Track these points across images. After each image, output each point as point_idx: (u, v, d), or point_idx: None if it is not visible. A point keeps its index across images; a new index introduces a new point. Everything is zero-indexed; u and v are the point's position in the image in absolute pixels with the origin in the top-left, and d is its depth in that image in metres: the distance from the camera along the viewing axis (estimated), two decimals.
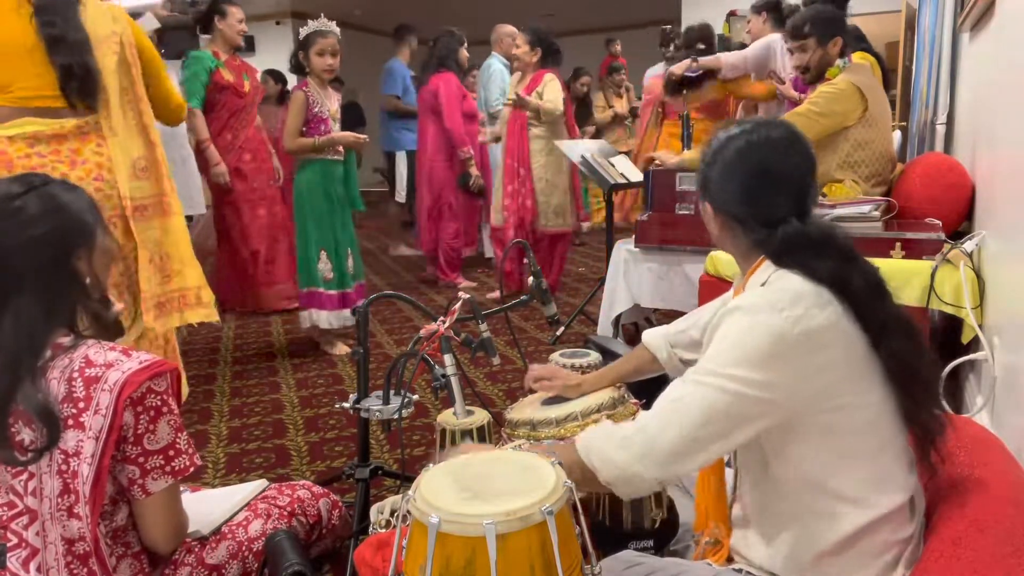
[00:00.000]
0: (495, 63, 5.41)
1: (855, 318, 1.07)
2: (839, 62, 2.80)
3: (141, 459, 1.21)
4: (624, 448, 1.09)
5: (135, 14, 3.37)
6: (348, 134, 3.59)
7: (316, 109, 3.46)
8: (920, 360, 1.09)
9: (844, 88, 2.67)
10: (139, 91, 2.41)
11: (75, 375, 1.17)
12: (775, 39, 3.93)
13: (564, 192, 4.61)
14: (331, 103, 3.55)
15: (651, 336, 1.66)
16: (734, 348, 1.06)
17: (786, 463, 1.10)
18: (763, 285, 1.13)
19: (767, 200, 1.15)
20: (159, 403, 1.21)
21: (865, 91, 2.67)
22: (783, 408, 1.05)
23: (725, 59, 4.07)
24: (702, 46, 4.32)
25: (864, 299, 1.07)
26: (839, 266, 1.08)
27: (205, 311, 2.58)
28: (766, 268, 1.15)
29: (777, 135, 1.17)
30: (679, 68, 4.16)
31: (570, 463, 1.11)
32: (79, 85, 2.26)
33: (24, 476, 1.16)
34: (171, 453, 1.23)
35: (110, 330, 1.29)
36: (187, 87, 4.08)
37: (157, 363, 1.21)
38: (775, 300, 1.06)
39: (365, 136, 3.67)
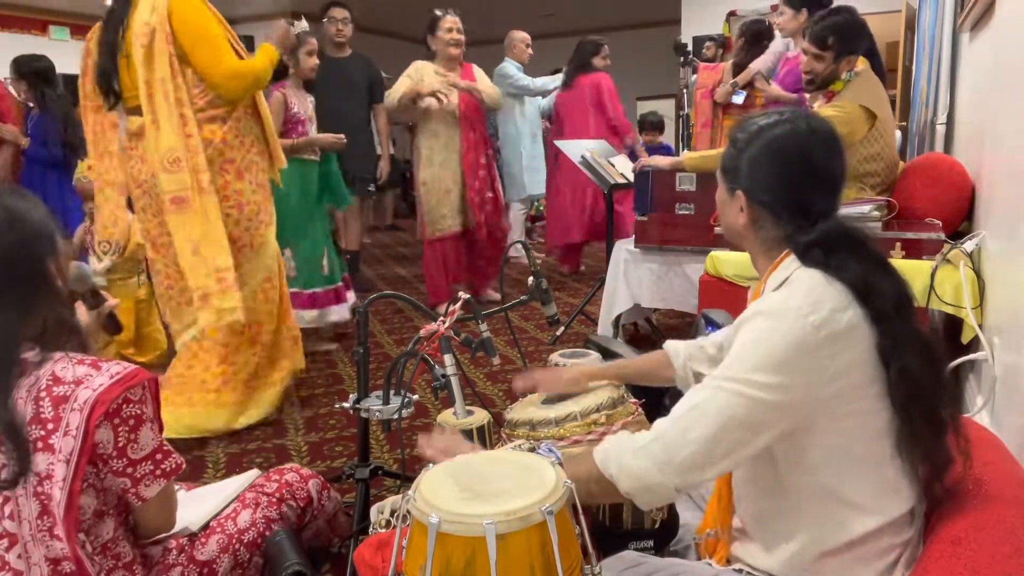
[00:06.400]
0: (509, 68, 5.40)
1: (873, 324, 1.04)
2: (844, 75, 2.74)
3: (129, 469, 1.18)
4: (643, 457, 1.06)
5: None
6: (327, 136, 3.62)
7: (295, 110, 3.50)
8: (930, 386, 1.05)
9: (851, 111, 2.58)
10: (178, 80, 2.45)
11: (42, 394, 1.12)
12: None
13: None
14: (307, 104, 3.62)
15: (672, 344, 1.64)
16: (755, 353, 1.04)
17: (799, 470, 1.08)
18: (782, 285, 1.10)
19: (807, 192, 1.12)
20: (138, 412, 1.17)
21: (871, 106, 2.59)
22: (801, 411, 1.04)
23: (759, 67, 4.08)
24: (766, 42, 4.24)
25: (891, 309, 1.04)
26: (871, 271, 1.06)
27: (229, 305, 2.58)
28: (786, 266, 1.12)
29: (821, 129, 1.13)
30: (722, 97, 4.15)
31: (587, 475, 1.09)
32: (104, 86, 2.56)
33: (0, 500, 1.13)
34: (159, 457, 1.22)
35: (82, 339, 1.23)
36: None
37: (129, 375, 1.16)
38: (799, 305, 1.03)
39: (342, 136, 3.68)
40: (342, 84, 4.53)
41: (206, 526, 1.42)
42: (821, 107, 2.73)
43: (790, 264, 1.12)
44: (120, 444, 1.16)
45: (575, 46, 5.28)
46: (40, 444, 1.11)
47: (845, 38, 2.60)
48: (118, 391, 1.14)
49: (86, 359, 1.17)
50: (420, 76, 4.22)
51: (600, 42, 5.23)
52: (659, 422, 1.10)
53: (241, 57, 2.63)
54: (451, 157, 4.30)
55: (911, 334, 1.05)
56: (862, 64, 2.75)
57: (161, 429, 1.24)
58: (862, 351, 1.04)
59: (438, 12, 4.30)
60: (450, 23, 4.26)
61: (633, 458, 1.07)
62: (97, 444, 1.13)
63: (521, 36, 5.44)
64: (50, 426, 1.11)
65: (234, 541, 1.41)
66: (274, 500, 1.53)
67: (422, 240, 4.56)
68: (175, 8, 2.42)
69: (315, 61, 3.51)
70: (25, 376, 1.13)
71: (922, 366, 1.04)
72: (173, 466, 1.24)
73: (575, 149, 4.03)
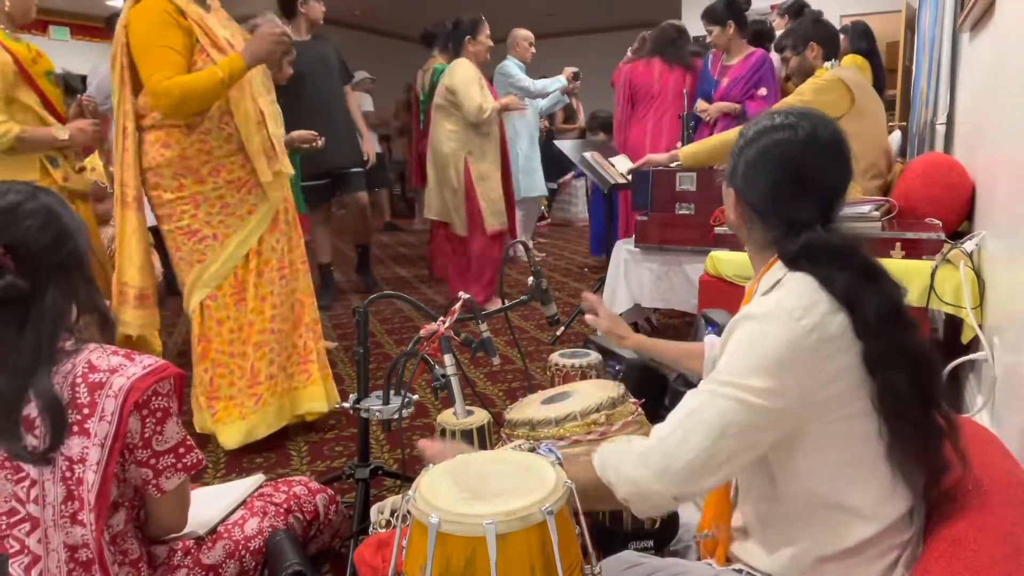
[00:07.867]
0: (511, 67, 5.38)
1: (857, 337, 1.02)
2: (826, 64, 2.88)
3: (152, 460, 1.22)
4: (641, 465, 1.06)
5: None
6: (305, 132, 3.36)
7: None
8: (919, 398, 1.03)
9: (830, 79, 2.76)
10: (125, 92, 2.41)
11: (78, 380, 1.16)
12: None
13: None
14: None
15: (713, 339, 1.61)
16: (748, 357, 1.03)
17: (794, 477, 1.08)
18: (775, 287, 1.10)
19: (794, 202, 1.10)
20: (165, 405, 1.22)
21: (851, 85, 2.74)
22: (796, 416, 1.03)
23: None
24: (768, 43, 4.20)
25: (873, 322, 1.02)
26: (855, 282, 1.04)
27: (140, 313, 2.51)
28: (778, 269, 1.12)
29: (825, 136, 1.10)
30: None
31: (586, 481, 1.09)
32: None
33: (26, 483, 1.15)
34: (181, 451, 1.26)
35: (110, 325, 1.29)
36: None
37: (161, 367, 1.21)
38: (791, 307, 1.03)
39: (316, 134, 3.40)
40: (319, 66, 4.26)
41: (213, 530, 1.43)
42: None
43: (782, 267, 1.12)
44: (146, 435, 1.20)
45: (657, 32, 4.73)
46: (76, 428, 1.15)
47: (791, 33, 3.12)
48: (150, 381, 1.19)
49: (119, 350, 1.22)
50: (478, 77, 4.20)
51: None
52: (657, 428, 1.10)
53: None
54: (498, 154, 4.38)
55: (898, 347, 1.03)
56: (849, 62, 2.84)
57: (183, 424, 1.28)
58: (854, 355, 1.03)
59: (481, 15, 4.30)
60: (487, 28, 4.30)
61: (631, 465, 1.07)
62: (128, 432, 1.17)
63: (524, 34, 5.42)
64: (86, 411, 1.15)
65: (240, 548, 1.42)
66: (282, 511, 1.54)
67: (457, 236, 4.39)
68: (130, 19, 2.36)
69: (291, 71, 3.46)
70: (61, 363, 1.17)
71: (908, 379, 1.02)
72: (194, 461, 1.28)
73: (575, 149, 4.04)
